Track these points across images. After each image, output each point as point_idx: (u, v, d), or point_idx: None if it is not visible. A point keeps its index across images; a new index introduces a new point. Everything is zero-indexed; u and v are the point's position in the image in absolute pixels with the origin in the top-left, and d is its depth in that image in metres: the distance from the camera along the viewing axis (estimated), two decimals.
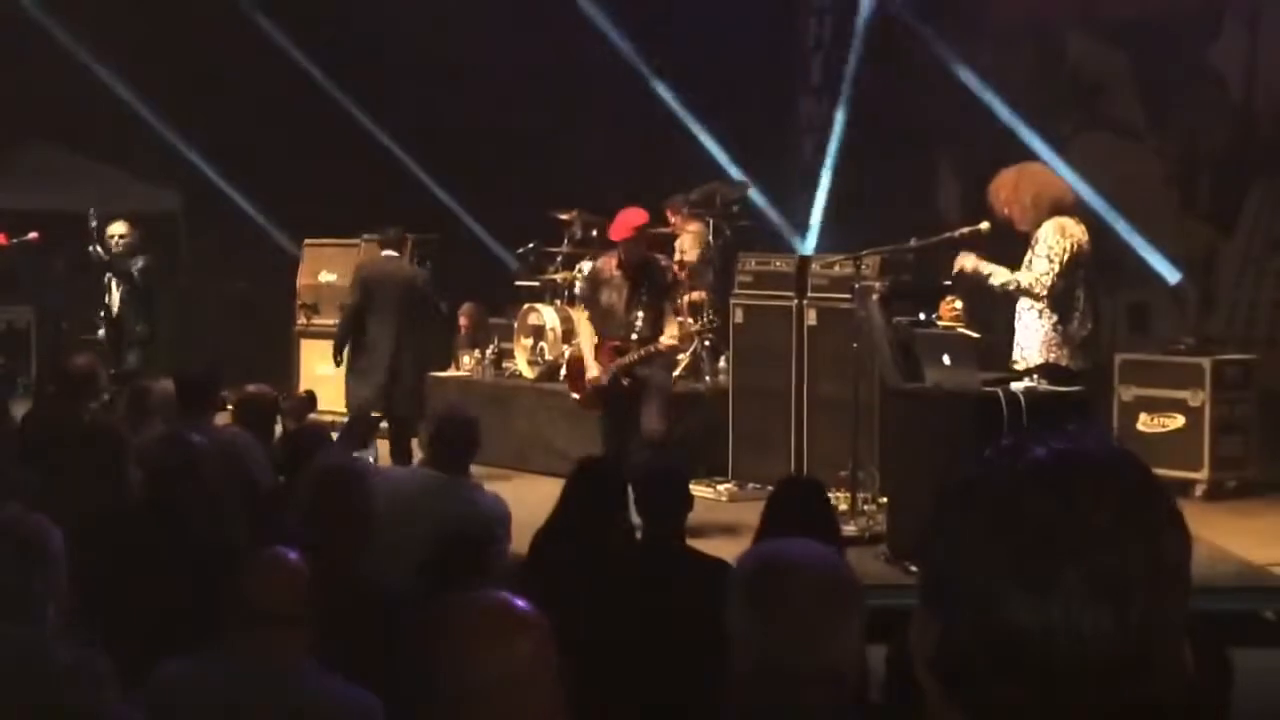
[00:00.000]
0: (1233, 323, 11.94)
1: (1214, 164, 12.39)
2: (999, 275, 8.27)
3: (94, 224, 11.81)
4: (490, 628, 2.57)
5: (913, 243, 9.22)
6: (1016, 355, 8.32)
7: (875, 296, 8.79)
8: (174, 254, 17.21)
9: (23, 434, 7.05)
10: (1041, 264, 8.18)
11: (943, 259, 10.17)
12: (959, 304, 9.02)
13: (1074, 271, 8.22)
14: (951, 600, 1.38)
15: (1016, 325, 8.37)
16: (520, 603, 2.65)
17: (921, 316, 8.58)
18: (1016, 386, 7.80)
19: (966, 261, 8.36)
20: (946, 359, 7.98)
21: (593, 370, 9.50)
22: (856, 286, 9.10)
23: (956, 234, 8.78)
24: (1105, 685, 1.34)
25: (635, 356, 9.32)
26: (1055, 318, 8.21)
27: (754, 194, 13.63)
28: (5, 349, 13.58)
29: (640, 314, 9.35)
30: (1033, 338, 8.25)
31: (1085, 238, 8.31)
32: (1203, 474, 10.38)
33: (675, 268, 9.94)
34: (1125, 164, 12.52)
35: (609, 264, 9.57)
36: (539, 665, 2.53)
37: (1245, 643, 7.13)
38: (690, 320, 10.50)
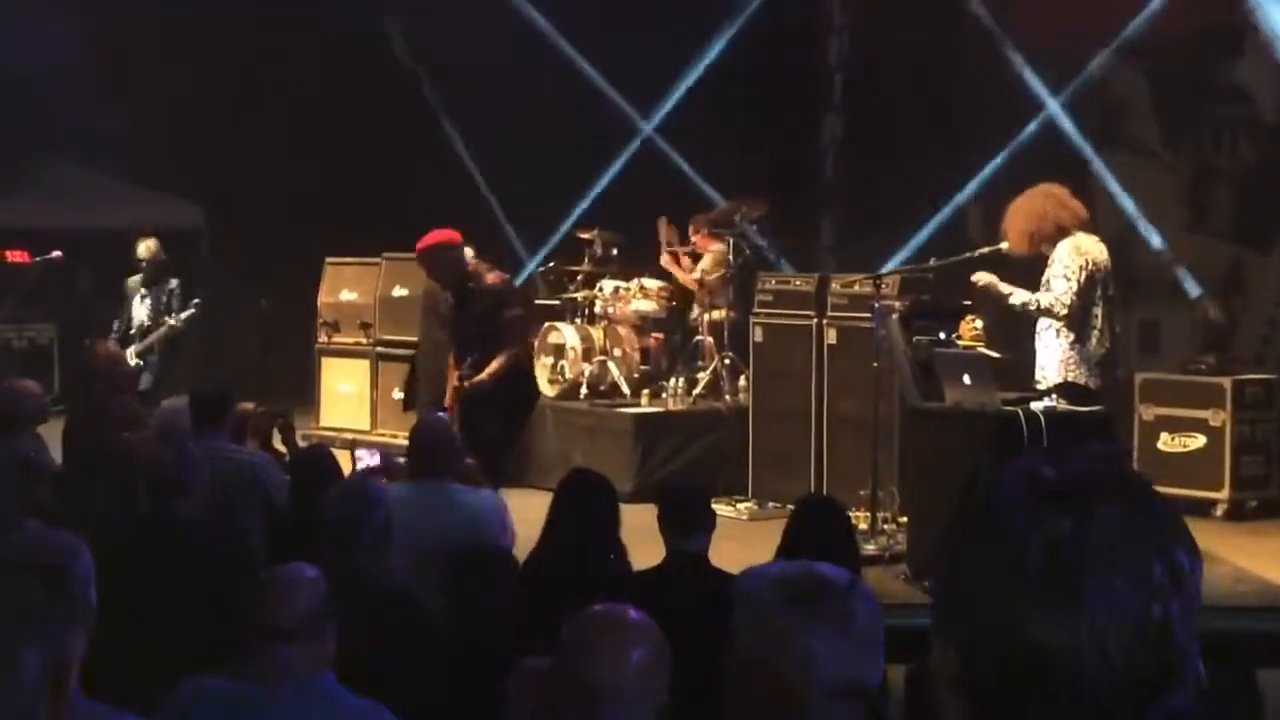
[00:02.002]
0: (1271, 341, 11.92)
1: (1238, 181, 12.38)
2: (1018, 295, 8.28)
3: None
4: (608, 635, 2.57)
5: (932, 262, 9.24)
6: (1039, 375, 8.32)
7: (895, 316, 8.80)
8: (195, 270, 17.28)
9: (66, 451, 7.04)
10: (1060, 284, 8.18)
11: (963, 279, 10.19)
12: (979, 323, 9.02)
13: (1090, 290, 8.22)
14: (973, 623, 1.39)
15: (1037, 345, 8.38)
16: (634, 613, 2.65)
17: (941, 336, 8.59)
18: (1036, 406, 7.80)
19: (982, 277, 8.37)
20: (966, 378, 7.97)
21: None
22: (876, 306, 9.11)
23: (976, 254, 8.80)
24: (1130, 700, 1.35)
25: (450, 401, 8.79)
26: (1073, 336, 8.21)
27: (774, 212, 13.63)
28: (29, 366, 13.63)
29: (471, 343, 8.75)
30: (1051, 357, 8.26)
31: (1103, 256, 8.31)
32: (1224, 494, 10.35)
33: (500, 291, 8.87)
34: (1142, 180, 12.52)
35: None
36: (650, 674, 2.53)
37: (1268, 664, 7.13)
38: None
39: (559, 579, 5.32)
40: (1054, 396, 8.04)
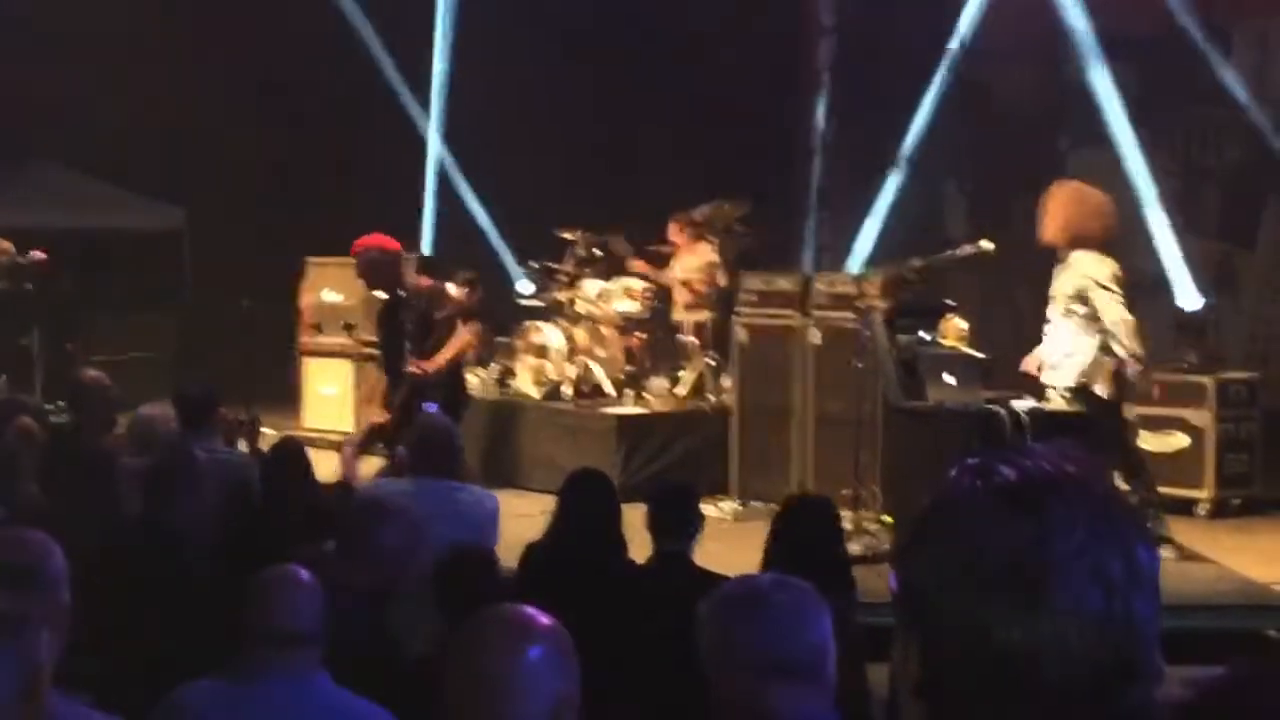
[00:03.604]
0: (1255, 339, 11.95)
1: (1225, 183, 12.41)
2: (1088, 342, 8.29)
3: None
4: (503, 634, 2.60)
5: (916, 262, 9.25)
6: (1046, 375, 8.33)
7: (879, 315, 8.81)
8: (177, 271, 17.26)
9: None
10: (1102, 295, 8.20)
11: (946, 277, 10.21)
12: (962, 323, 9.05)
13: (1116, 300, 8.31)
14: (935, 625, 1.40)
15: (1048, 345, 8.38)
16: (534, 612, 2.69)
17: (924, 335, 8.60)
18: (1019, 405, 7.83)
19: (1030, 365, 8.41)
20: (949, 377, 8.00)
21: None
22: (861, 305, 9.12)
23: (959, 253, 8.82)
24: (1093, 695, 1.36)
25: (383, 409, 9.01)
26: (1098, 343, 8.24)
27: (759, 211, 13.63)
28: (11, 369, 13.57)
29: (408, 341, 8.90)
30: (1069, 359, 8.26)
31: (1118, 270, 8.36)
32: (1206, 492, 10.38)
33: (435, 290, 9.09)
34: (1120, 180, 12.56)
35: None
36: (554, 673, 2.56)
37: None
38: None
39: (561, 575, 5.37)
40: (1063, 398, 8.11)
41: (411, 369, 8.76)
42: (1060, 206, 8.41)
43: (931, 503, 1.45)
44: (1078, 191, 8.51)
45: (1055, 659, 1.35)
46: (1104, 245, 8.38)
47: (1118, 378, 8.31)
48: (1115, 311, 8.25)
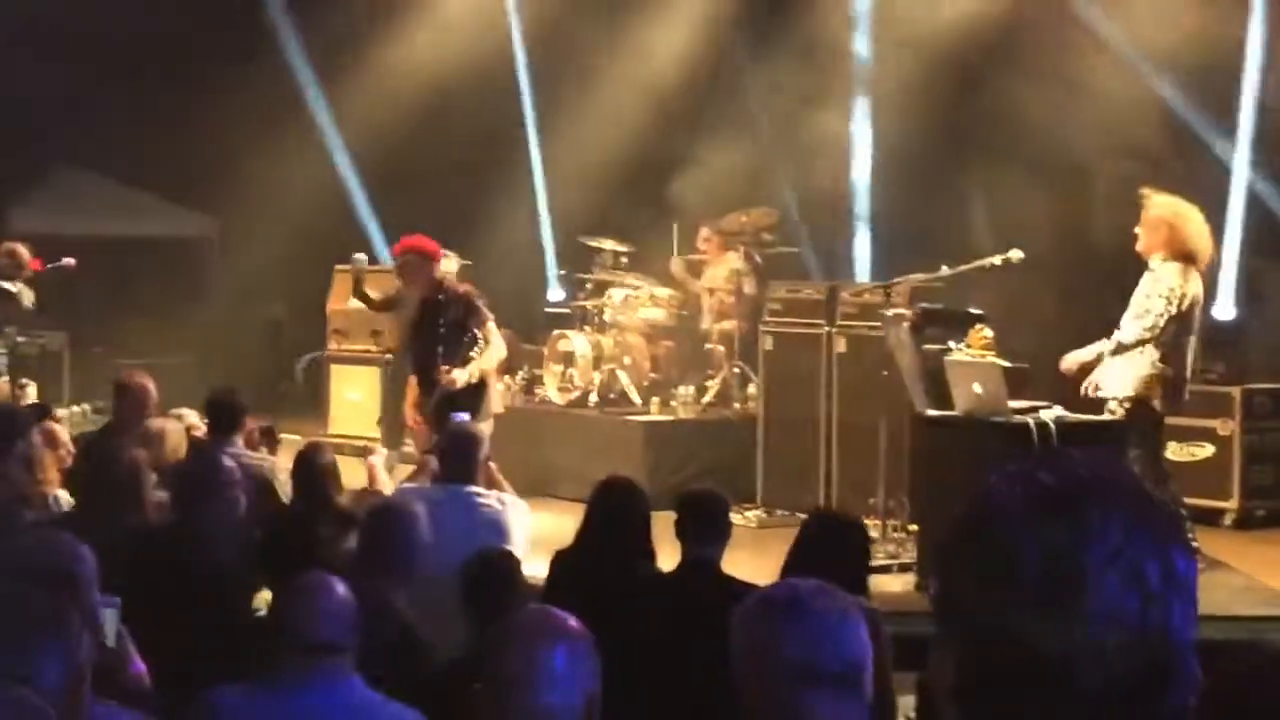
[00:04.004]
0: (1275, 351, 11.91)
1: (1248, 194, 12.37)
2: (1106, 345, 8.31)
3: None
4: (534, 634, 2.65)
5: (944, 270, 9.26)
6: (1096, 385, 8.34)
7: (905, 324, 8.82)
8: (206, 278, 17.34)
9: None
10: (1159, 304, 8.23)
11: (973, 286, 10.19)
12: (989, 332, 9.03)
13: (1190, 320, 8.33)
14: (971, 629, 1.41)
15: (1106, 357, 8.39)
16: (560, 614, 2.74)
17: (951, 345, 8.60)
18: (1047, 415, 7.82)
19: (1068, 363, 8.45)
20: (977, 387, 7.99)
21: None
22: (886, 314, 9.13)
23: (987, 262, 8.82)
24: (1128, 701, 1.37)
25: (412, 411, 9.19)
26: (1158, 355, 8.25)
27: (787, 220, 13.63)
28: (39, 373, 13.65)
29: (440, 346, 8.98)
30: (1127, 370, 8.27)
31: (1200, 292, 8.36)
32: (1232, 503, 10.36)
33: (473, 297, 9.11)
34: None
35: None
36: (583, 673, 2.61)
37: None
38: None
39: (590, 581, 5.41)
40: (1120, 405, 8.13)
41: (443, 377, 8.78)
42: (1160, 220, 8.42)
43: (969, 507, 1.46)
44: (1177, 206, 8.51)
45: (1091, 664, 1.36)
46: (1194, 262, 8.39)
47: (1170, 390, 8.32)
48: (1155, 308, 8.24)
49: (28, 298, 12.29)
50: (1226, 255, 11.65)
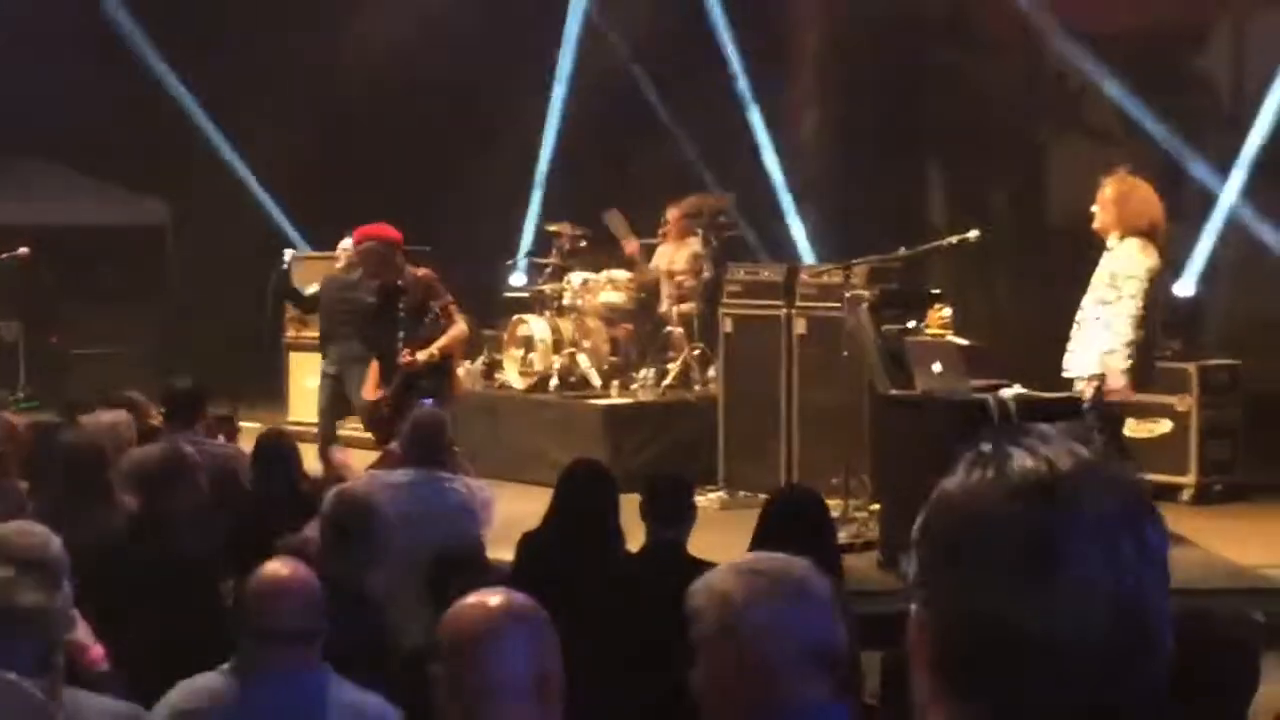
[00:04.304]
0: (1230, 327, 12.02)
1: (1204, 170, 12.45)
2: (1105, 345, 8.34)
3: None
4: (486, 613, 2.68)
5: (901, 251, 9.30)
6: (1066, 363, 8.39)
7: (864, 305, 8.85)
8: (161, 266, 17.25)
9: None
10: (1133, 285, 8.29)
11: (931, 266, 10.25)
12: (947, 311, 9.09)
13: (1156, 294, 8.40)
14: (949, 606, 1.43)
15: (1075, 332, 8.44)
16: (514, 594, 2.77)
17: (911, 324, 8.65)
18: (1006, 393, 7.87)
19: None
20: (936, 366, 8.03)
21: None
22: (846, 295, 9.16)
23: (945, 243, 8.87)
24: (1106, 671, 1.39)
25: (373, 392, 9.11)
26: (1123, 332, 8.30)
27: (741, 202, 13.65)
28: None
29: (401, 331, 8.95)
30: (1094, 347, 8.32)
31: (1159, 266, 8.42)
32: (1190, 478, 10.44)
33: (432, 281, 9.11)
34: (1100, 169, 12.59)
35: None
36: (535, 650, 2.63)
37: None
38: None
39: (558, 564, 5.42)
40: (1088, 384, 8.18)
41: (404, 359, 8.81)
42: (1112, 196, 8.48)
43: (943, 486, 1.48)
44: (1130, 183, 8.58)
45: (1069, 636, 1.38)
46: (1151, 236, 8.45)
47: (1138, 368, 8.37)
48: (1130, 290, 8.31)
49: None
50: (1187, 233, 11.75)
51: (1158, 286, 8.46)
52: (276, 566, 3.82)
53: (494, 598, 2.77)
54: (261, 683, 3.70)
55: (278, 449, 6.68)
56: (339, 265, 10.78)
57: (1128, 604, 1.40)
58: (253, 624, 3.71)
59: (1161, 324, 8.80)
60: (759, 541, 4.96)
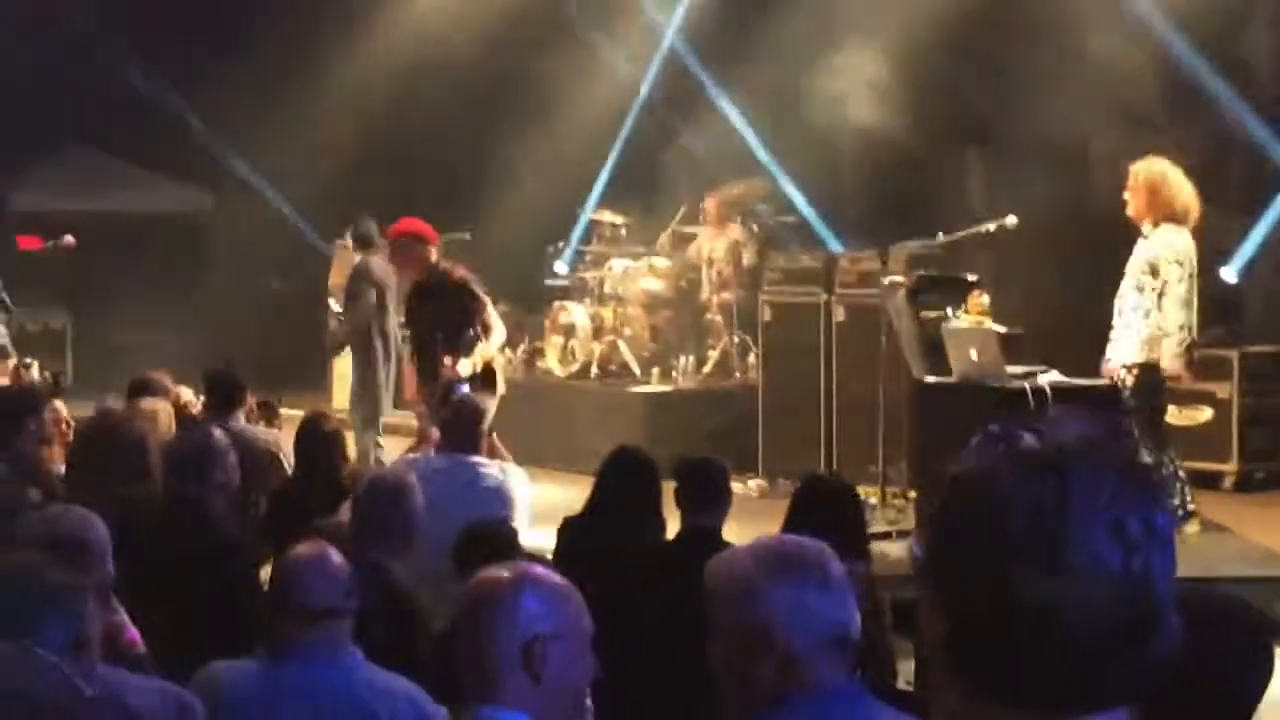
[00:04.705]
0: (1274, 314, 11.95)
1: (1247, 157, 12.38)
2: (1144, 333, 8.33)
3: None
4: (490, 577, 2.71)
5: (940, 238, 9.29)
6: (1111, 353, 8.39)
7: (902, 291, 8.86)
8: (205, 254, 17.38)
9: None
10: (1174, 270, 8.29)
11: (971, 254, 10.23)
12: (985, 298, 9.09)
13: (1186, 280, 8.38)
14: (961, 585, 1.46)
15: (1116, 322, 8.43)
16: (534, 566, 2.80)
17: (948, 311, 8.65)
18: (1043, 379, 7.87)
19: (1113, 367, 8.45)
20: (973, 353, 8.04)
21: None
22: (883, 282, 9.17)
23: (982, 229, 8.86)
24: (1114, 650, 1.43)
25: (413, 389, 9.06)
26: (1161, 320, 8.29)
27: (786, 189, 13.65)
28: (42, 350, 13.71)
29: (439, 329, 8.76)
30: (1134, 336, 8.32)
31: (1193, 252, 8.41)
32: (1231, 465, 10.41)
33: (469, 281, 8.93)
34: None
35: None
36: (532, 617, 2.66)
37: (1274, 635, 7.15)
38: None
39: (598, 548, 5.46)
40: (1129, 372, 8.17)
41: (448, 371, 8.65)
42: (1144, 183, 8.47)
43: (955, 469, 1.51)
44: (1161, 168, 8.56)
45: (1078, 614, 1.41)
46: (1184, 221, 8.44)
47: (1191, 351, 8.37)
48: (1181, 290, 8.30)
49: None
50: (1232, 220, 11.68)
51: (1192, 269, 8.44)
52: (305, 547, 3.87)
53: (499, 570, 2.78)
54: (291, 662, 3.76)
55: (320, 434, 6.72)
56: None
57: (1135, 583, 1.43)
58: (281, 603, 3.77)
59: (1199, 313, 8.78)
60: (789, 527, 4.98)
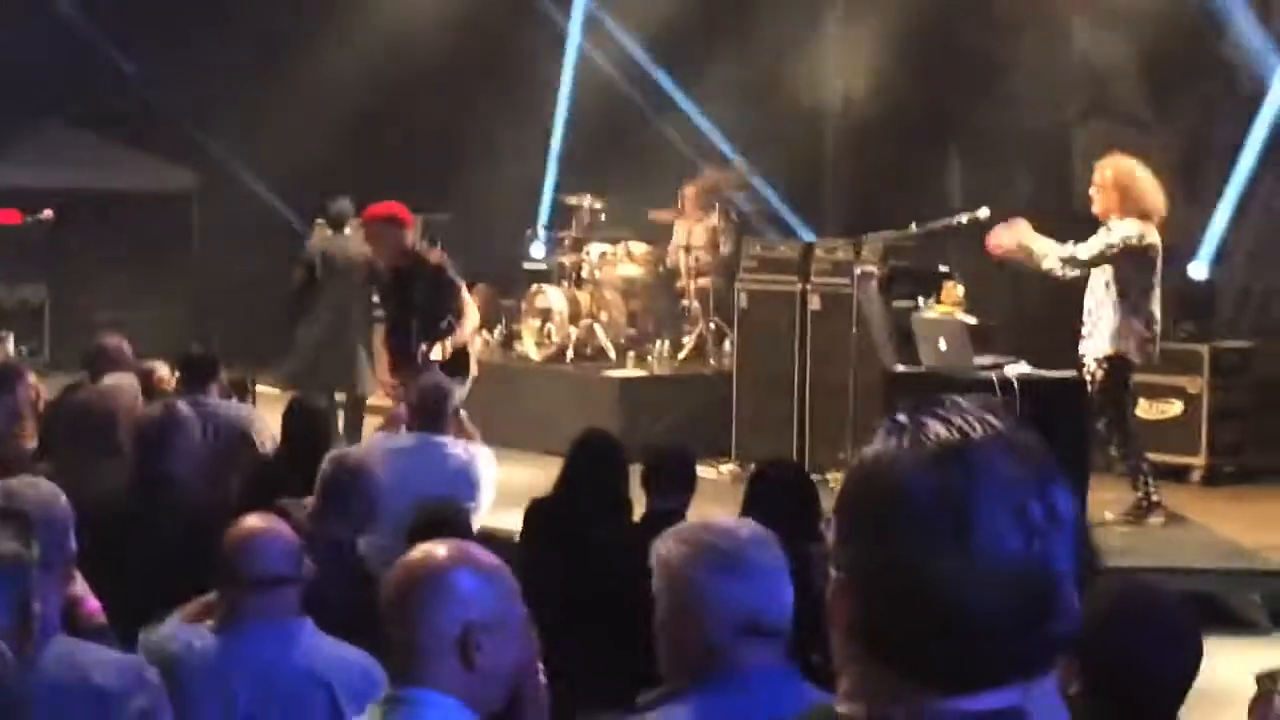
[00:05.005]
0: (1244, 308, 12.01)
1: (1223, 155, 12.44)
2: (1049, 252, 8.38)
3: None
4: (420, 562, 2.71)
5: (914, 228, 9.35)
6: (1083, 346, 8.45)
7: (874, 281, 8.92)
8: (186, 233, 17.37)
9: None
10: (1109, 236, 8.34)
11: (945, 244, 10.29)
12: (960, 290, 9.15)
13: (1150, 270, 8.46)
14: (866, 569, 1.51)
15: (1086, 319, 8.50)
16: (468, 546, 2.80)
17: (920, 301, 8.71)
18: (1010, 370, 7.93)
19: (1006, 238, 8.47)
20: (941, 343, 8.10)
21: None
22: (856, 272, 9.22)
23: (955, 220, 8.91)
24: (1016, 629, 1.47)
25: (388, 372, 9.06)
26: (1129, 311, 8.36)
27: (760, 179, 13.69)
28: (20, 326, 13.73)
29: (413, 313, 8.81)
30: (1104, 329, 8.39)
31: (1158, 243, 8.45)
32: (1200, 459, 10.48)
33: (443, 267, 8.95)
34: (1128, 153, 12.57)
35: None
36: (466, 603, 2.66)
37: (1229, 627, 7.24)
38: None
39: (563, 531, 5.52)
40: (1099, 366, 8.23)
41: (429, 356, 8.60)
42: (1113, 181, 8.52)
43: (862, 454, 1.56)
44: (1130, 167, 8.62)
45: (980, 597, 1.45)
46: (1149, 219, 8.49)
47: (1140, 342, 8.43)
48: (1095, 242, 8.35)
49: None
50: (1203, 214, 11.75)
51: (1151, 259, 8.48)
52: (253, 518, 3.93)
53: (435, 548, 2.75)
54: (241, 631, 3.82)
55: (307, 413, 6.75)
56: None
57: (1036, 567, 1.47)
58: (230, 572, 3.83)
59: (1168, 307, 8.84)
60: (745, 512, 5.04)
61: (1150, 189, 8.53)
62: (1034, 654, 1.50)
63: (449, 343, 8.66)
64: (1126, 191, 8.44)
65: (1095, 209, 8.56)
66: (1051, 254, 8.43)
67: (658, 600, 2.86)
